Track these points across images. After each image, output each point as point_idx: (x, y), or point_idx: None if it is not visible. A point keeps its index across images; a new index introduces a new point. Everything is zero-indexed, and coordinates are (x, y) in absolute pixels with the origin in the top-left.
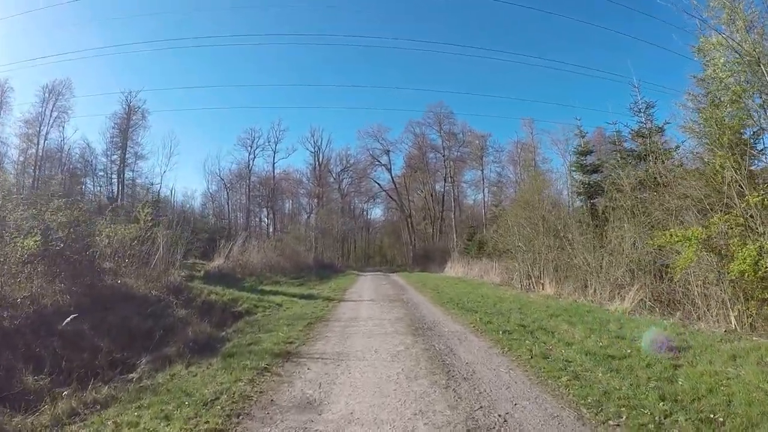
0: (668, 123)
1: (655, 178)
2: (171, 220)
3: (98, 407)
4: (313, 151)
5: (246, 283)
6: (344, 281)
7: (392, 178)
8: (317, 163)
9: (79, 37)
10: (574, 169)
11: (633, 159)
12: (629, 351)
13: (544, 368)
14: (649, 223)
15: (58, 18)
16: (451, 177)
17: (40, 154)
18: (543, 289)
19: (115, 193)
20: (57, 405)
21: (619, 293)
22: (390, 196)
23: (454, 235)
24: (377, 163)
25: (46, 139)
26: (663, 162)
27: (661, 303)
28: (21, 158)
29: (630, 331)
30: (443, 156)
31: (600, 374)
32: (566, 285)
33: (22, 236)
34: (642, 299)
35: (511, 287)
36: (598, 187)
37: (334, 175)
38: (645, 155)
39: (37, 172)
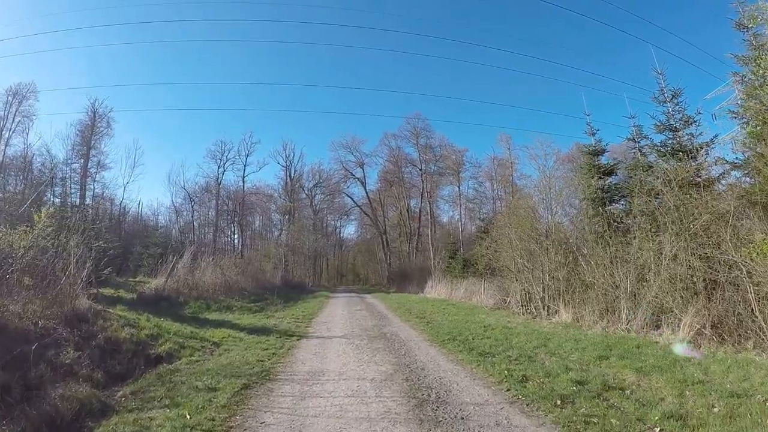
0: (700, 113)
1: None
2: (88, 226)
3: None
4: (284, 165)
5: (188, 309)
6: (313, 305)
7: (367, 193)
8: (288, 178)
9: (42, 35)
10: (584, 172)
11: (660, 156)
12: None
13: None
14: (693, 230)
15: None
16: (428, 192)
17: (2, 160)
18: (555, 315)
19: (77, 204)
20: None
21: (666, 320)
22: (364, 212)
23: (431, 253)
24: (351, 176)
25: (7, 146)
26: (701, 156)
27: (717, 330)
28: None
29: (724, 377)
30: (420, 170)
31: None
32: (584, 309)
33: None
34: (700, 328)
35: (511, 312)
36: (616, 192)
37: (306, 190)
38: (677, 150)
39: None
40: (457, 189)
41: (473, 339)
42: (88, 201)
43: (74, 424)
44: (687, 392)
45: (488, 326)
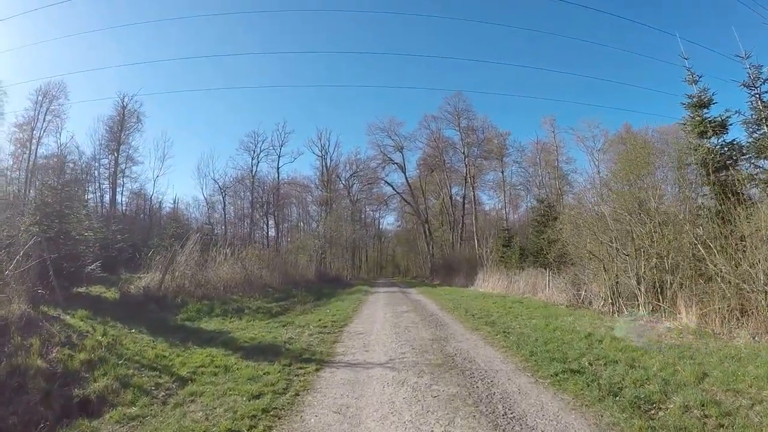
0: None
1: None
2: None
3: None
4: (320, 155)
5: (182, 313)
6: (347, 304)
7: (407, 179)
8: (324, 167)
9: (70, 29)
10: (689, 128)
11: None
12: None
13: None
14: None
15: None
16: (471, 177)
17: (33, 160)
18: (664, 316)
19: (109, 199)
20: None
21: None
22: (404, 200)
23: (476, 242)
24: (389, 161)
25: (39, 145)
26: None
27: None
28: (15, 165)
29: None
30: (464, 154)
31: None
32: (706, 309)
33: None
34: None
35: (596, 311)
36: (734, 152)
37: (343, 180)
38: None
39: (29, 179)
40: (501, 174)
41: (590, 365)
42: (119, 197)
43: None
44: None
45: (589, 337)
